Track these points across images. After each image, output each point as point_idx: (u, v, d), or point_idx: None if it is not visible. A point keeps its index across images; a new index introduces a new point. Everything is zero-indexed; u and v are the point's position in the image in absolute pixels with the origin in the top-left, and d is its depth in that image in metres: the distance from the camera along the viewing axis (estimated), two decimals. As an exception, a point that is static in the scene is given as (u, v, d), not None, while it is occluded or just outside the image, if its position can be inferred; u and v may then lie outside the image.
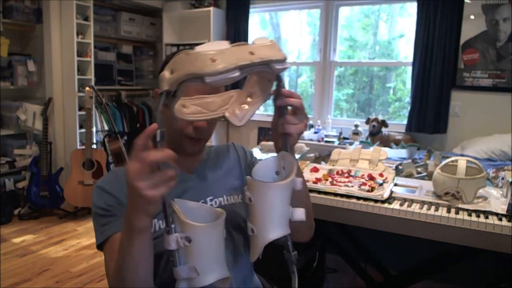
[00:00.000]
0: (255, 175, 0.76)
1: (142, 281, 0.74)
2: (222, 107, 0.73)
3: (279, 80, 0.76)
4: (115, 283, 0.77)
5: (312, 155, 2.01)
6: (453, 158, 1.49)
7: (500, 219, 1.25)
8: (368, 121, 3.34)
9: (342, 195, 1.45)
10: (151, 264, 0.75)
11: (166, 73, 0.65)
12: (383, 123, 3.27)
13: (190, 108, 0.71)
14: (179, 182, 0.95)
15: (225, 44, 0.65)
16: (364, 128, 3.45)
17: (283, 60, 0.69)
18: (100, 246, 0.89)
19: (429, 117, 3.28)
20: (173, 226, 0.68)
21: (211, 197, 0.97)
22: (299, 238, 0.98)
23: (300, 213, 0.77)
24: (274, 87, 0.78)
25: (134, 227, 0.68)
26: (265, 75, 0.73)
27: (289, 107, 0.80)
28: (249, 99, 0.74)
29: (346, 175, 1.66)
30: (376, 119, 3.28)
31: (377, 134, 3.25)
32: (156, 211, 0.67)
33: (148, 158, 0.63)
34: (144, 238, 0.70)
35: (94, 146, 3.50)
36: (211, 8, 4.10)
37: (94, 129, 3.52)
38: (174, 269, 0.68)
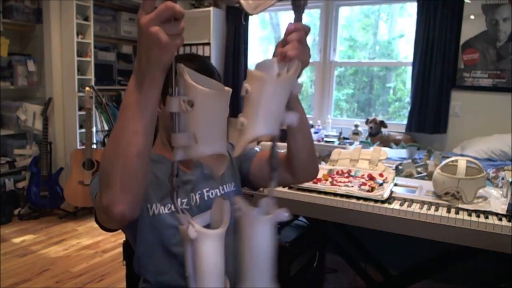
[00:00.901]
0: (256, 68, 0.71)
1: (138, 152, 0.67)
2: None
3: None
4: (104, 164, 0.70)
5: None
6: (453, 158, 1.49)
7: (500, 219, 1.25)
8: (367, 122, 3.35)
9: (342, 195, 1.45)
10: (149, 140, 0.69)
11: None
12: (382, 124, 3.27)
13: None
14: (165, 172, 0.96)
15: None
16: (364, 128, 3.45)
17: None
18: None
19: (429, 117, 3.28)
20: (177, 89, 0.64)
21: (207, 189, 1.02)
22: (305, 175, 1.00)
23: (293, 117, 0.74)
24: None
25: (145, 79, 0.63)
26: None
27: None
28: None
29: (346, 175, 1.66)
30: (374, 120, 3.28)
31: (376, 135, 3.25)
32: (168, 63, 0.62)
33: (171, 6, 0.59)
34: (152, 94, 0.65)
35: (94, 146, 3.50)
36: (211, 8, 4.10)
37: (94, 129, 3.52)
38: (173, 135, 0.64)
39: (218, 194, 1.03)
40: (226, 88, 0.70)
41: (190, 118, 0.64)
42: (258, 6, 0.68)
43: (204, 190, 1.02)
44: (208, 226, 0.72)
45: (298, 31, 0.72)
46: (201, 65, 0.96)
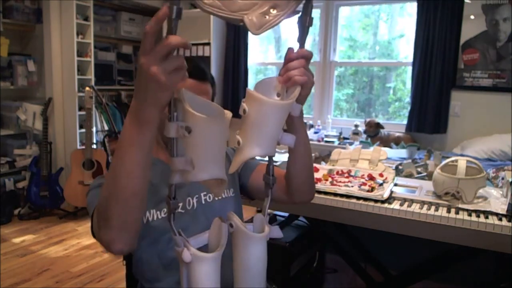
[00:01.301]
0: (256, 89, 0.71)
1: (134, 192, 0.66)
2: (242, 11, 0.68)
3: (309, 0, 0.72)
4: (102, 201, 0.70)
5: (312, 155, 2.01)
6: (453, 158, 1.49)
7: (500, 219, 1.25)
8: (365, 123, 3.35)
9: (342, 195, 1.45)
10: (146, 177, 0.68)
11: None
12: (378, 125, 3.27)
13: (210, 0, 0.66)
14: (165, 179, 0.96)
15: None
16: (364, 128, 3.45)
17: None
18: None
19: (429, 117, 3.28)
20: (175, 114, 0.64)
21: (204, 193, 1.00)
22: (301, 198, 0.99)
23: (289, 139, 0.75)
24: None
25: (142, 118, 0.62)
26: None
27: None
28: (272, 11, 0.68)
29: (346, 175, 1.66)
30: (369, 123, 3.28)
31: (375, 136, 3.26)
32: (167, 101, 0.62)
33: (168, 42, 0.60)
34: (149, 134, 0.64)
35: (94, 146, 3.50)
36: (211, 8, 4.10)
37: (94, 129, 3.52)
38: (172, 159, 0.64)
39: (216, 198, 1.01)
40: (226, 111, 0.70)
41: (188, 143, 0.64)
42: (262, 25, 0.67)
43: (202, 194, 1.00)
44: (205, 247, 0.72)
45: (304, 57, 0.73)
46: (193, 65, 0.94)
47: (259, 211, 0.78)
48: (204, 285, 0.67)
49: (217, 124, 0.66)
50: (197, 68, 0.95)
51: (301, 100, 0.76)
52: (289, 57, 0.73)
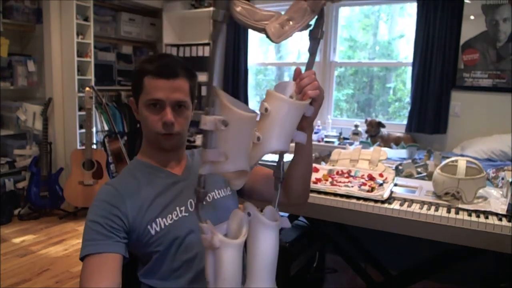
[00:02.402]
0: (275, 89, 0.82)
1: None
2: (263, 21, 0.74)
3: (321, 15, 0.81)
4: None
5: (312, 155, 2.01)
6: (453, 158, 1.49)
7: (500, 219, 1.25)
8: (366, 122, 3.35)
9: (342, 195, 1.45)
10: None
11: None
12: (379, 125, 3.27)
13: (239, 8, 0.72)
14: (174, 184, 1.02)
15: None
16: (364, 129, 3.45)
17: None
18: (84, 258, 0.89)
19: (429, 117, 3.28)
20: (212, 109, 0.70)
21: (211, 193, 1.05)
22: (297, 200, 1.06)
23: (302, 136, 0.84)
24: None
25: None
26: (310, 4, 0.77)
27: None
28: (289, 22, 0.77)
29: (346, 175, 1.66)
30: (370, 123, 3.28)
31: (376, 136, 3.26)
32: None
33: None
34: None
35: (94, 146, 3.50)
36: (211, 8, 4.10)
37: (94, 129, 3.52)
38: (204, 150, 0.69)
39: (215, 197, 1.05)
40: (255, 113, 0.77)
41: (222, 136, 0.70)
42: (281, 35, 0.74)
43: (209, 193, 1.04)
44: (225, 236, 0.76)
45: (313, 74, 0.85)
46: (160, 65, 0.98)
47: (260, 211, 0.81)
48: (231, 269, 0.72)
49: (249, 120, 0.72)
50: (164, 67, 0.98)
51: (314, 112, 0.87)
52: (300, 74, 0.84)
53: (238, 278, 0.74)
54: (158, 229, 0.95)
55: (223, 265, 0.72)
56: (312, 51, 0.86)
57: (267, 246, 0.78)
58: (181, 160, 1.08)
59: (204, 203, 0.99)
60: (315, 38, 0.83)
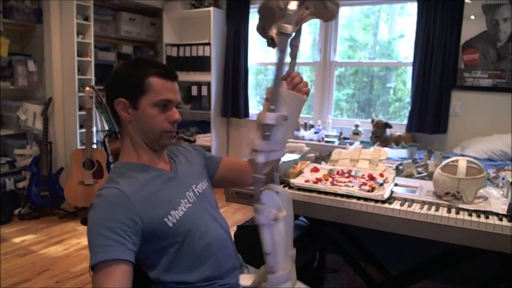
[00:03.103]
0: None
1: None
2: None
3: (301, 28, 0.98)
4: None
5: (312, 155, 2.01)
6: (453, 158, 1.49)
7: (501, 219, 1.25)
8: (372, 122, 3.32)
9: (342, 195, 1.45)
10: None
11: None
12: (386, 125, 3.24)
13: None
14: (170, 179, 1.07)
15: None
16: (364, 128, 3.45)
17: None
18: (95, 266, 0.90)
19: (429, 117, 3.28)
20: (273, 107, 0.87)
21: (194, 185, 1.13)
22: (246, 180, 1.27)
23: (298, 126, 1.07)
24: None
25: None
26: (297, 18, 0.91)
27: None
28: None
29: (346, 175, 1.66)
30: (377, 124, 3.24)
31: (381, 137, 3.23)
32: None
33: None
34: None
35: (95, 146, 3.50)
36: (211, 8, 4.10)
37: (94, 129, 3.52)
38: (265, 142, 0.88)
39: (201, 189, 1.14)
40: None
41: (281, 129, 0.86)
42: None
43: (193, 186, 1.12)
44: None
45: (300, 75, 1.03)
46: (165, 67, 1.07)
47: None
48: (285, 236, 0.92)
49: (299, 111, 0.95)
50: (169, 70, 1.07)
51: None
52: (292, 75, 1.02)
53: (289, 244, 0.94)
54: (174, 221, 1.00)
55: (280, 235, 0.89)
56: (293, 56, 1.01)
57: (292, 213, 0.99)
58: (165, 157, 1.15)
59: (198, 194, 1.11)
60: (295, 46, 0.99)
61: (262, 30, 1.09)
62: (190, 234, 1.02)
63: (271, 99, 0.86)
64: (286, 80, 0.99)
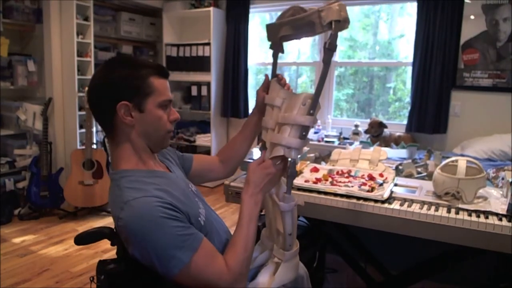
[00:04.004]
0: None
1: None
2: None
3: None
4: (243, 261, 0.96)
5: (312, 155, 2.01)
6: (453, 158, 1.49)
7: (500, 219, 1.25)
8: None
9: (342, 195, 1.45)
10: None
11: None
12: (381, 125, 3.25)
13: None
14: (175, 180, 1.08)
15: None
16: (364, 128, 3.45)
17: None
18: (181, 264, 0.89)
19: (429, 117, 3.28)
20: (312, 111, 1.01)
21: (190, 184, 1.16)
22: (230, 172, 1.38)
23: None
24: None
25: (259, 201, 1.02)
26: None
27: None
28: None
29: (346, 175, 1.66)
30: (372, 123, 3.25)
31: (378, 136, 3.23)
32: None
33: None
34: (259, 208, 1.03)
35: (94, 146, 3.50)
36: (211, 8, 4.10)
37: (94, 129, 3.52)
38: (301, 141, 1.01)
39: (194, 189, 1.16)
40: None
41: (310, 130, 1.04)
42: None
43: (189, 185, 1.14)
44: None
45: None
46: (160, 66, 1.06)
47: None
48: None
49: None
50: (165, 69, 1.05)
51: None
52: (279, 76, 1.25)
53: None
54: (204, 218, 1.04)
55: (296, 219, 1.08)
56: (275, 61, 1.27)
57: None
58: (158, 159, 1.14)
59: (195, 192, 1.15)
60: (281, 51, 1.23)
61: (274, 32, 1.15)
62: (213, 228, 1.06)
63: (312, 104, 0.99)
64: (282, 81, 1.17)
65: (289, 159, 1.02)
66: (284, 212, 1.04)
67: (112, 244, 1.12)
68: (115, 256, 1.14)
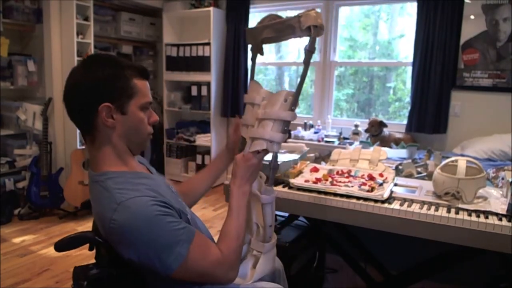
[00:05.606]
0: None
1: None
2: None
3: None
4: (237, 249, 0.99)
5: (312, 155, 2.01)
6: (453, 158, 1.49)
7: (500, 219, 1.25)
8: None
9: (342, 195, 1.45)
10: None
11: None
12: (381, 124, 3.24)
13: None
14: (158, 180, 1.06)
15: None
16: (364, 128, 3.44)
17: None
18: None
19: (429, 117, 3.28)
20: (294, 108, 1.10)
21: (171, 185, 1.16)
22: (197, 200, 1.36)
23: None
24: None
25: (247, 192, 1.07)
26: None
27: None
28: None
29: (346, 175, 1.66)
30: (372, 122, 3.24)
31: (378, 135, 3.23)
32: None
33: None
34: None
35: (94, 146, 3.49)
36: (211, 8, 4.10)
37: (94, 129, 3.52)
38: (284, 135, 1.08)
39: (174, 189, 1.16)
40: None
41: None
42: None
43: (170, 186, 1.14)
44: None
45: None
46: (141, 67, 1.03)
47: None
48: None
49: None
50: (146, 70, 1.03)
51: None
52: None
53: None
54: (190, 217, 1.06)
55: (275, 210, 1.15)
56: (253, 63, 1.34)
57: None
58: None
59: (175, 192, 1.15)
60: (261, 53, 1.29)
61: (255, 35, 1.21)
62: (193, 224, 1.06)
63: (294, 101, 1.06)
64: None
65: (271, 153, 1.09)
66: (265, 204, 1.11)
67: (90, 249, 1.10)
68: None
